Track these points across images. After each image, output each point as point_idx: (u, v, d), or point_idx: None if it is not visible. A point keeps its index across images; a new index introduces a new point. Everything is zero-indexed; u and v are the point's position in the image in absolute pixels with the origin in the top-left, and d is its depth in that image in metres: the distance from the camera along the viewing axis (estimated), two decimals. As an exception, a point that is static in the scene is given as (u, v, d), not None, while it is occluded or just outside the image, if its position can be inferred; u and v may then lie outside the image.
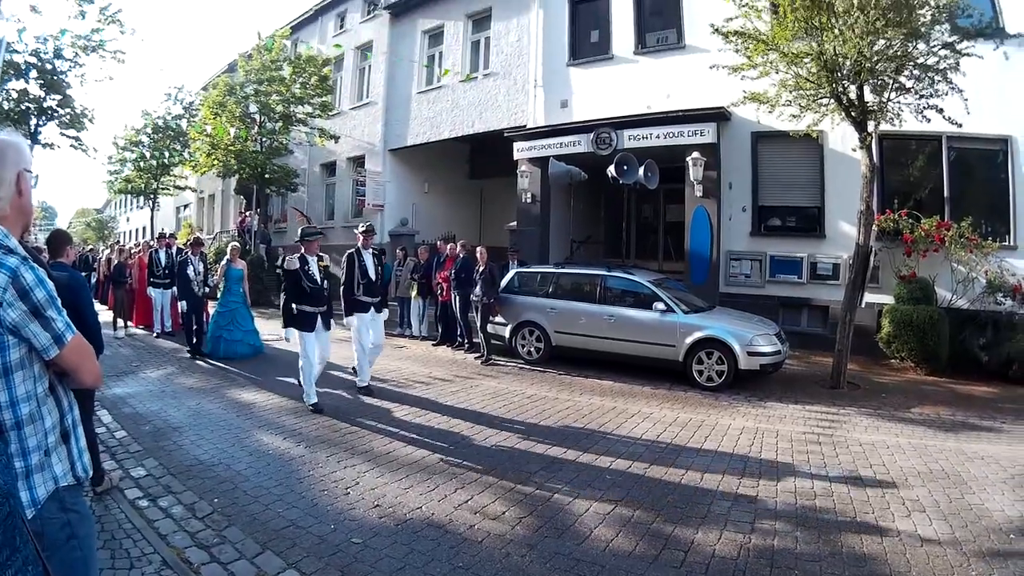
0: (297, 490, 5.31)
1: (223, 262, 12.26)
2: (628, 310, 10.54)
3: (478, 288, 11.61)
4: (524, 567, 4.10)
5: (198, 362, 11.12)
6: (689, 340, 9.73)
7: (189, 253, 12.18)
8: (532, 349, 11.51)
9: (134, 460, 6.04)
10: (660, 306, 10.07)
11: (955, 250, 11.03)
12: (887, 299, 11.48)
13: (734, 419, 7.85)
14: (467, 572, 4.04)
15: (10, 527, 1.25)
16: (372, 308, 8.85)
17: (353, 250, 8.94)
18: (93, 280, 19.79)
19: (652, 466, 6.07)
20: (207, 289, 12.32)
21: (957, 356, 10.73)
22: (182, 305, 11.78)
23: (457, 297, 12.36)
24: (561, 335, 11.16)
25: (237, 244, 13.01)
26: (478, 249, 12.02)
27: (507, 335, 11.78)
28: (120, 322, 14.46)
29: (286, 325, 8.30)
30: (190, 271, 11.78)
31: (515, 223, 17.51)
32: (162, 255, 14.09)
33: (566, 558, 4.20)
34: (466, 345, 12.70)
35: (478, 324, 11.83)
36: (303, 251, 8.17)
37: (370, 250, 9.01)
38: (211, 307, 12.73)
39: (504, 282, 12.11)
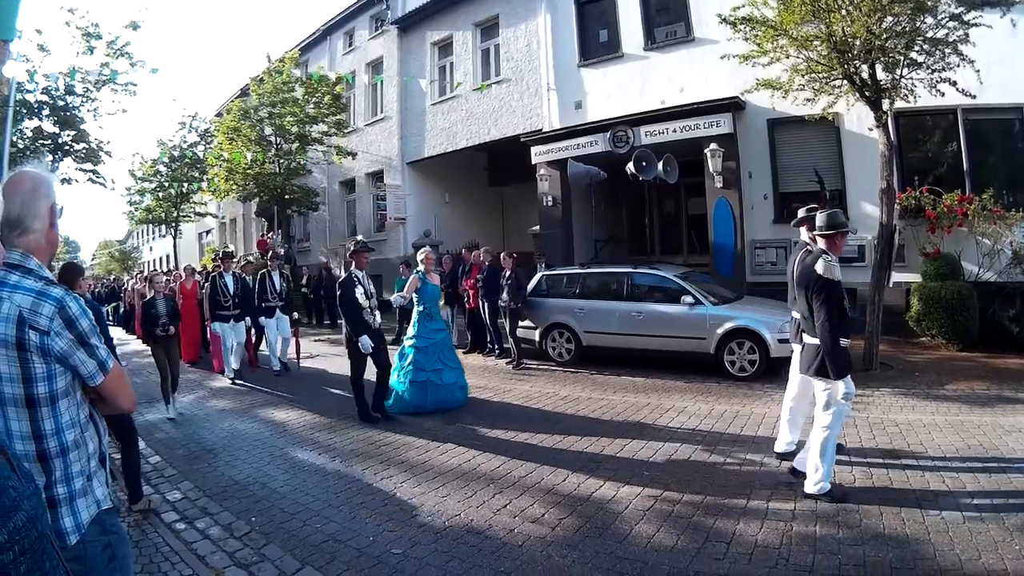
0: (334, 504, 5.34)
1: (414, 275, 8.64)
2: (656, 305, 10.48)
3: (505, 293, 11.56)
4: (566, 568, 4.08)
5: (251, 388, 10.68)
6: (720, 331, 9.67)
7: (353, 268, 8.17)
8: (563, 351, 11.48)
9: (169, 484, 6.11)
10: (688, 299, 10.00)
11: (979, 223, 10.88)
12: (914, 277, 11.35)
13: (768, 407, 7.75)
14: (509, 576, 4.04)
15: (39, 551, 1.26)
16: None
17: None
18: (121, 310, 20.10)
19: (689, 459, 6.05)
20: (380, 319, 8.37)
21: (987, 330, 10.61)
22: (363, 344, 7.83)
23: (485, 304, 12.27)
24: (591, 335, 11.10)
25: (430, 250, 9.02)
26: (502, 255, 11.99)
27: (537, 338, 11.76)
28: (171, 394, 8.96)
29: (839, 374, 4.73)
30: (359, 294, 7.94)
31: (538, 227, 17.55)
32: (229, 280, 11.47)
33: (608, 556, 4.19)
34: (497, 351, 12.64)
35: (507, 329, 11.78)
36: (824, 246, 5.06)
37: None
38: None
39: (531, 285, 12.08)
